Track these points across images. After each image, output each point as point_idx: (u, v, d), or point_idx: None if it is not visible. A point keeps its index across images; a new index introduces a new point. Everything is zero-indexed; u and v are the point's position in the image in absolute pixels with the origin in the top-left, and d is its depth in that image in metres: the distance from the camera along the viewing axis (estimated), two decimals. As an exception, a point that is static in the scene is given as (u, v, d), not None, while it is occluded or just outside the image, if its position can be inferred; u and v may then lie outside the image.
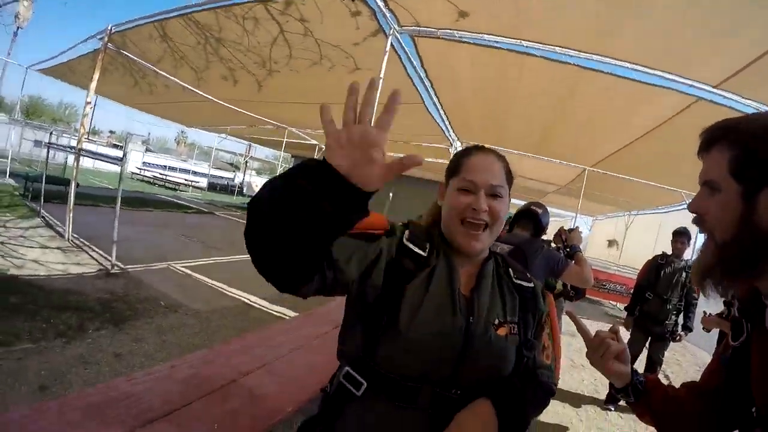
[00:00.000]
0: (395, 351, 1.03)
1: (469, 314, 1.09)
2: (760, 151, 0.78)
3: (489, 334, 1.08)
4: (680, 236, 4.82)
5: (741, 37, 3.88)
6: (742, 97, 4.70)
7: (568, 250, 3.95)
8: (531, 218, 3.42)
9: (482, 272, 1.19)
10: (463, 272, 1.17)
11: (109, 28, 7.31)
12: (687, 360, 8.22)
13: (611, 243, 20.46)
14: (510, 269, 1.25)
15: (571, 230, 4.30)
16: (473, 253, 1.17)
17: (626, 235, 17.61)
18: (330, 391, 1.13)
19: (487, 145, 1.29)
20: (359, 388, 1.05)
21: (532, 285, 1.25)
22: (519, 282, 1.23)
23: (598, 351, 1.11)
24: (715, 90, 4.78)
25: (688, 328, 4.83)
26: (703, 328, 4.20)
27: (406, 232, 1.18)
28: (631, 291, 10.71)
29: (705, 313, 4.12)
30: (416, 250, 1.14)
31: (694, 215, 0.89)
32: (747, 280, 0.85)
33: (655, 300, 4.87)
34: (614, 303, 12.77)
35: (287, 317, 5.58)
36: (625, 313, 5.26)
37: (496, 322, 1.11)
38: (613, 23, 4.30)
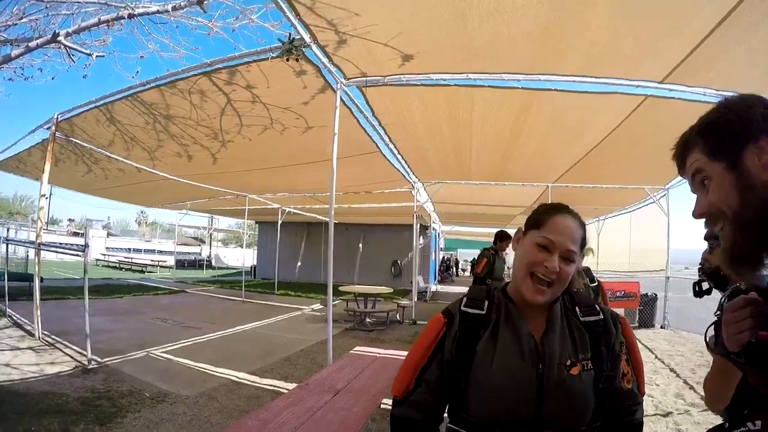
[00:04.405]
0: (479, 403, 1.17)
1: (540, 359, 1.16)
2: (721, 127, 0.85)
3: (562, 376, 1.15)
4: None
5: (676, 32, 4.06)
6: (688, 87, 4.89)
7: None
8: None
9: (551, 316, 1.25)
10: (532, 318, 1.25)
11: (56, 116, 7.22)
12: (688, 349, 8.38)
13: (586, 252, 20.58)
14: (577, 307, 1.30)
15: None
16: (536, 304, 1.22)
17: (599, 241, 17.85)
18: None
19: (570, 207, 1.31)
20: None
21: (600, 317, 1.28)
22: (586, 318, 1.27)
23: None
24: (661, 85, 4.97)
25: None
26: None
27: (464, 299, 1.30)
28: (631, 295, 10.79)
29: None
30: (474, 311, 1.26)
31: (703, 220, 0.92)
32: None
33: None
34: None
35: (281, 389, 5.35)
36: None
37: (568, 363, 1.17)
38: (552, 43, 4.42)
